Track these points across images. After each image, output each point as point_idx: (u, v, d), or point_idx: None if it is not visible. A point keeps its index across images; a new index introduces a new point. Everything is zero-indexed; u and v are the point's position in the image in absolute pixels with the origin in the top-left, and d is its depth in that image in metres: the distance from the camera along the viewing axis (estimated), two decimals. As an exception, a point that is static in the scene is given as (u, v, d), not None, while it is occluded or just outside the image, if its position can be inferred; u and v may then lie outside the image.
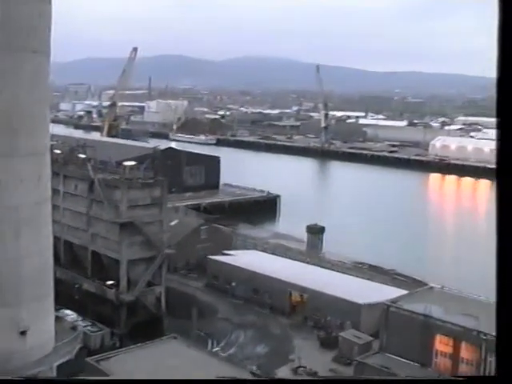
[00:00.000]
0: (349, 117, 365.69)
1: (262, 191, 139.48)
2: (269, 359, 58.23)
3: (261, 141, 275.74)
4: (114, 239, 65.58)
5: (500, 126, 5.77)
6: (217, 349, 60.27)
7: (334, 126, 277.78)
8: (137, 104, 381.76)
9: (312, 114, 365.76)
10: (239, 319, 68.12)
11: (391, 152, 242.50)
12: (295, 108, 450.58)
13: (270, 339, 63.11)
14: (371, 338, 57.86)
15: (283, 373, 54.76)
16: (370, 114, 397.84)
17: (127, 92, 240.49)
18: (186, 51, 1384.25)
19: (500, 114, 5.75)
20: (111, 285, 65.28)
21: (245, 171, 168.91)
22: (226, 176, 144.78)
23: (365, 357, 53.55)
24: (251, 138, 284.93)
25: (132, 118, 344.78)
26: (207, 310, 70.23)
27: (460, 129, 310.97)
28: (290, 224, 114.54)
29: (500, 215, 5.68)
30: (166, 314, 65.95)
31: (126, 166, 68.27)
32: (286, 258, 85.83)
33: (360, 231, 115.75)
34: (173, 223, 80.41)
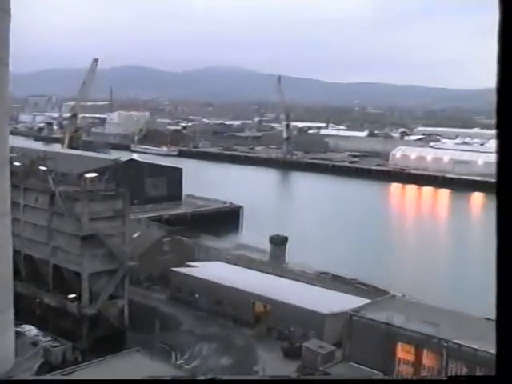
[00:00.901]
0: (310, 127, 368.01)
1: (224, 202, 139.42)
2: (233, 371, 58.06)
3: (223, 152, 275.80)
4: (76, 252, 64.87)
5: (500, 137, 5.67)
6: (180, 361, 59.93)
7: (295, 136, 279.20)
8: (98, 115, 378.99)
9: (274, 124, 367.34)
10: (203, 331, 67.90)
11: (352, 162, 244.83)
12: (257, 119, 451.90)
13: (234, 351, 63.00)
14: (334, 348, 58.16)
15: (247, 384, 54.63)
16: (331, 124, 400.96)
17: (88, 103, 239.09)
18: (148, 62, 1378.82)
19: (500, 124, 5.67)
20: (73, 298, 64.53)
21: (207, 182, 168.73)
22: (188, 187, 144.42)
23: (328, 366, 53.80)
24: (213, 149, 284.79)
25: (93, 129, 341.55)
26: (170, 323, 69.85)
27: (419, 139, 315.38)
28: (253, 235, 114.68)
29: (500, 228, 5.59)
30: (129, 327, 65.41)
31: (87, 178, 67.69)
32: (249, 268, 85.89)
33: (323, 241, 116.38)
34: (135, 235, 79.89)
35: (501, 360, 5.66)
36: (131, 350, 52.37)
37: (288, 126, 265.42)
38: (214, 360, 60.85)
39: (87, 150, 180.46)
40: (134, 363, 48.05)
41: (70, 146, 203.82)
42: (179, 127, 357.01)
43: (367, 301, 62.20)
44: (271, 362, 59.15)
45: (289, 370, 57.44)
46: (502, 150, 5.66)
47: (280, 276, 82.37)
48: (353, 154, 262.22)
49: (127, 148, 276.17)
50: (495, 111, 5.65)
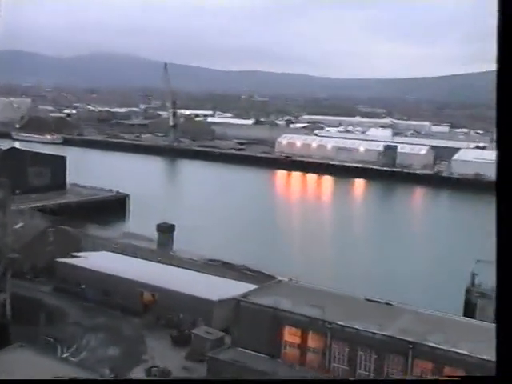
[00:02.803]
0: (197, 115, 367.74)
1: (110, 191, 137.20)
2: (121, 361, 57.63)
3: (109, 140, 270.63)
4: (-47, 245, 62.09)
5: (500, 137, 5.61)
6: (67, 354, 58.81)
7: (182, 124, 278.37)
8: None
9: (161, 112, 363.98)
10: (90, 322, 66.81)
11: (239, 150, 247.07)
12: (143, 106, 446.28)
13: (122, 341, 62.46)
14: (223, 334, 58.84)
15: (136, 374, 54.47)
16: (218, 112, 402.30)
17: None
18: (28, 46, 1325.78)
19: (500, 124, 5.60)
20: (-49, 293, 61.79)
21: (93, 171, 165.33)
22: (73, 176, 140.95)
23: (217, 352, 54.40)
24: (99, 137, 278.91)
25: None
26: (56, 315, 68.24)
27: (304, 127, 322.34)
28: (140, 223, 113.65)
29: (500, 228, 5.68)
30: (12, 321, 63.39)
31: (-36, 168, 64.89)
32: (137, 257, 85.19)
33: (211, 228, 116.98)
34: (17, 226, 77.38)
35: (501, 360, 5.71)
36: (14, 346, 50.85)
37: (175, 113, 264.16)
38: (102, 351, 60.12)
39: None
40: (17, 359, 46.72)
41: None
42: (63, 114, 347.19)
43: (255, 286, 63.24)
44: (160, 350, 59.14)
45: (178, 357, 57.69)
46: (502, 150, 5.66)
47: (168, 264, 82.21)
48: (239, 141, 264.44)
49: (8, 136, 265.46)
50: (495, 110, 5.70)
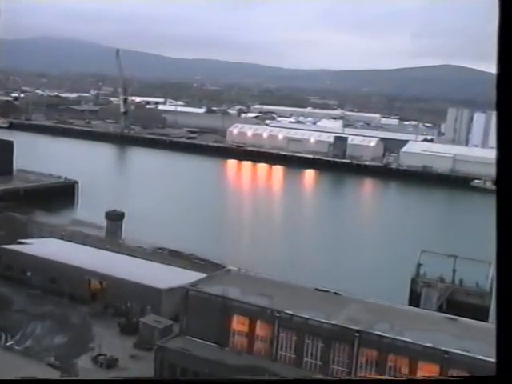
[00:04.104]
0: (148, 102, 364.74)
1: (59, 177, 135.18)
2: (67, 349, 57.07)
3: (58, 125, 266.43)
4: None
5: (499, 137, 5.58)
6: (11, 342, 57.95)
7: (133, 111, 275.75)
8: None
9: (111, 98, 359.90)
10: (36, 310, 65.87)
11: (190, 138, 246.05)
12: (94, 92, 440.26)
13: (69, 329, 61.79)
14: (171, 322, 58.80)
15: (83, 362, 54.07)
16: (170, 100, 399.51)
17: None
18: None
19: (500, 124, 5.57)
20: None
21: (41, 157, 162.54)
22: (20, 162, 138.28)
23: (165, 341, 54.35)
24: (47, 123, 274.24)
25: None
26: (0, 303, 67.15)
27: (256, 116, 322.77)
28: (89, 211, 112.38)
29: (500, 228, 5.58)
30: (-45, 308, 62.23)
31: None
32: (85, 245, 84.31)
33: (160, 217, 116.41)
34: (-39, 212, 75.75)
35: (501, 360, 5.65)
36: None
37: (126, 100, 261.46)
38: (48, 339, 59.42)
39: None
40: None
41: None
42: (10, 98, 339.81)
43: (204, 275, 63.29)
44: (108, 339, 58.74)
45: (126, 345, 57.46)
46: (501, 151, 5.56)
47: (117, 252, 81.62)
48: (191, 130, 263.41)
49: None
50: (495, 110, 5.56)
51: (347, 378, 47.01)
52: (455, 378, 6.84)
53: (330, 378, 47.95)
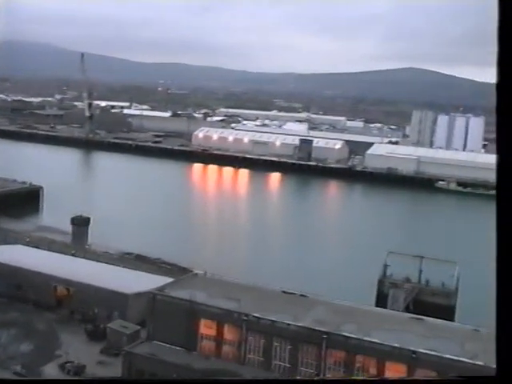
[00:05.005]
0: (113, 107, 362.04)
1: (23, 183, 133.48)
2: (34, 357, 56.39)
3: (22, 130, 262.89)
4: None
5: (499, 137, 5.51)
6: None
7: (98, 115, 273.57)
8: None
9: (76, 103, 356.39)
10: (0, 317, 65.00)
11: (156, 142, 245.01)
12: (59, 97, 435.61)
13: (35, 336, 61.06)
14: (139, 327, 58.47)
15: (50, 369, 53.49)
16: (135, 104, 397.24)
17: None
18: None
19: (500, 124, 5.52)
20: None
21: (5, 162, 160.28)
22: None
23: (133, 346, 54.04)
24: (11, 127, 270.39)
25: None
26: (-36, 311, 66.08)
27: (221, 120, 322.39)
28: (55, 216, 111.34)
29: (500, 229, 5.55)
30: None
31: None
32: (51, 251, 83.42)
33: (127, 222, 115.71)
34: None
35: (501, 360, 5.67)
36: None
37: (91, 104, 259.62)
38: (14, 347, 58.62)
39: None
40: None
41: None
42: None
43: (171, 279, 63.10)
44: (75, 345, 58.20)
45: (93, 352, 56.98)
46: (501, 151, 5.52)
47: (83, 258, 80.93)
48: (156, 134, 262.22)
49: None
50: (495, 111, 5.53)
51: (347, 378, 47.10)
52: (455, 378, 6.88)
53: (330, 378, 48.03)
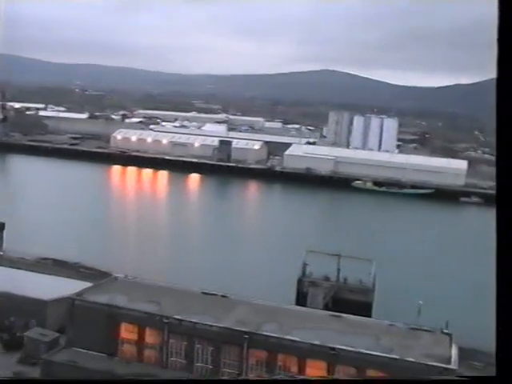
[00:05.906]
0: (28, 108, 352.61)
1: None
2: None
3: None
4: None
5: (499, 138, 5.47)
6: None
7: (12, 117, 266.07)
8: None
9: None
10: None
11: (73, 145, 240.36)
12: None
13: None
14: (58, 334, 57.34)
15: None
16: (51, 105, 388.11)
17: None
18: None
19: (499, 124, 5.46)
20: None
21: None
22: None
23: (51, 354, 52.97)
24: None
25: None
26: None
27: (140, 121, 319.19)
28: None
29: (500, 229, 5.53)
30: None
31: None
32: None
33: (44, 227, 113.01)
34: None
35: (501, 360, 5.65)
36: None
37: (4, 106, 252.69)
38: None
39: None
40: None
41: None
42: None
43: (90, 284, 62.17)
44: (-10, 356, 56.55)
45: (9, 362, 55.49)
46: (501, 151, 5.49)
47: (-3, 265, 78.66)
48: (73, 136, 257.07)
49: None
50: (495, 111, 5.51)
51: (347, 378, 47.08)
52: (455, 378, 7.04)
53: (330, 378, 47.97)
